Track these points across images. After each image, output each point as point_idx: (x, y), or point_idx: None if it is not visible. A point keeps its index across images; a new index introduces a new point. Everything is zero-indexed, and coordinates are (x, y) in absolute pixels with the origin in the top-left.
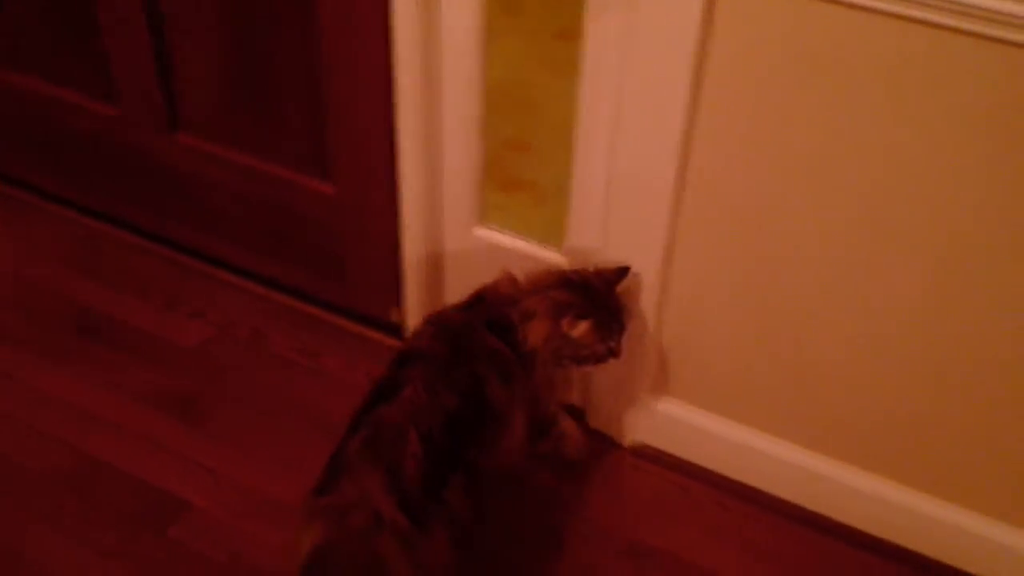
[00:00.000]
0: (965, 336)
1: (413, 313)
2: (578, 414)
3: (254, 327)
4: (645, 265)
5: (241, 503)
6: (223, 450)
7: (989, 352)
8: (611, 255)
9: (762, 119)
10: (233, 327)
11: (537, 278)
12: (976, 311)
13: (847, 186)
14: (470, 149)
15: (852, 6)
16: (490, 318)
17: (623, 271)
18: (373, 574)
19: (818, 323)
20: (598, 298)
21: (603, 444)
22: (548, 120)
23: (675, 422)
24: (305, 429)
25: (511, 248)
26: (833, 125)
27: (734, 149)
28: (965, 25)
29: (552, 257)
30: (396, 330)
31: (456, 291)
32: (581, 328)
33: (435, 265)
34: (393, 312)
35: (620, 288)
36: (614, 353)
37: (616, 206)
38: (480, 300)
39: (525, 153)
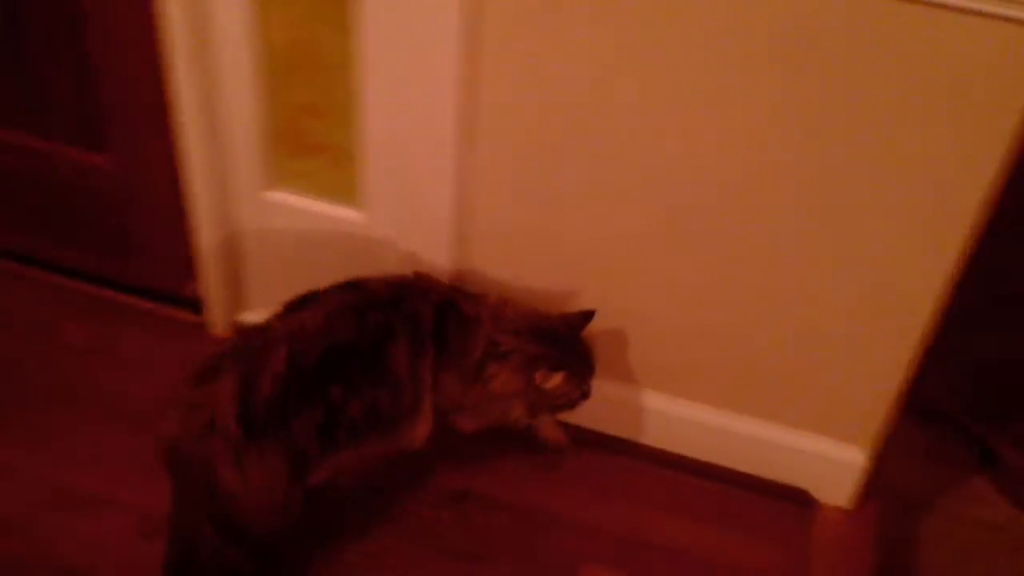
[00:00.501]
0: (769, 259)
1: (213, 285)
2: None
3: (42, 319)
4: (439, 217)
5: (45, 498)
6: (20, 449)
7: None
8: (405, 212)
9: (544, 54)
10: (17, 321)
11: (516, 315)
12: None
13: (640, 113)
14: (254, 112)
15: None
16: (447, 300)
17: (587, 315)
18: (205, 475)
19: (623, 262)
20: (567, 345)
21: None
22: (341, 81)
23: None
24: (105, 418)
25: (307, 211)
26: (612, 51)
27: (519, 87)
28: None
29: (350, 215)
30: (195, 305)
31: (255, 260)
32: (555, 380)
33: (229, 234)
34: (189, 286)
35: (584, 331)
36: (586, 396)
37: (405, 160)
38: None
39: (321, 116)
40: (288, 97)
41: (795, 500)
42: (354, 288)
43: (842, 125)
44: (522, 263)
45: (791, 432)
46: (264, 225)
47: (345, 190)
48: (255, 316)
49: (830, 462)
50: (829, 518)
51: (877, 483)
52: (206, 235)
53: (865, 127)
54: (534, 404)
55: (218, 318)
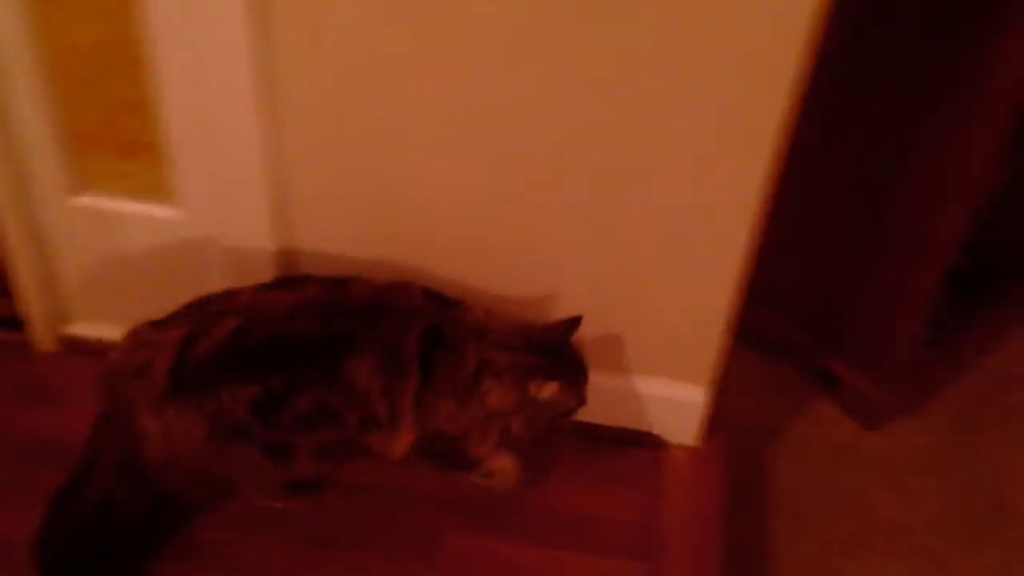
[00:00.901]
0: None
1: (32, 301)
2: None
3: None
4: (255, 203)
5: None
6: None
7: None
8: (221, 204)
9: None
10: None
11: (504, 329)
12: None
13: (445, 60)
14: (53, 116)
15: None
16: (432, 326)
17: (574, 322)
18: (127, 412)
19: (451, 218)
20: (558, 354)
21: None
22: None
23: None
24: None
25: (121, 213)
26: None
27: (317, 56)
28: None
29: (167, 215)
30: (15, 323)
31: (73, 270)
32: (550, 390)
33: (41, 244)
34: (4, 304)
35: (573, 338)
36: (583, 403)
37: (213, 150)
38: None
39: (138, 113)
40: (103, 95)
41: (649, 445)
42: (337, 287)
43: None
44: (353, 235)
45: (635, 379)
46: (77, 232)
47: (162, 189)
48: (85, 329)
49: (674, 404)
50: (679, 458)
51: (724, 418)
52: (15, 248)
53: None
54: (531, 418)
55: (44, 335)
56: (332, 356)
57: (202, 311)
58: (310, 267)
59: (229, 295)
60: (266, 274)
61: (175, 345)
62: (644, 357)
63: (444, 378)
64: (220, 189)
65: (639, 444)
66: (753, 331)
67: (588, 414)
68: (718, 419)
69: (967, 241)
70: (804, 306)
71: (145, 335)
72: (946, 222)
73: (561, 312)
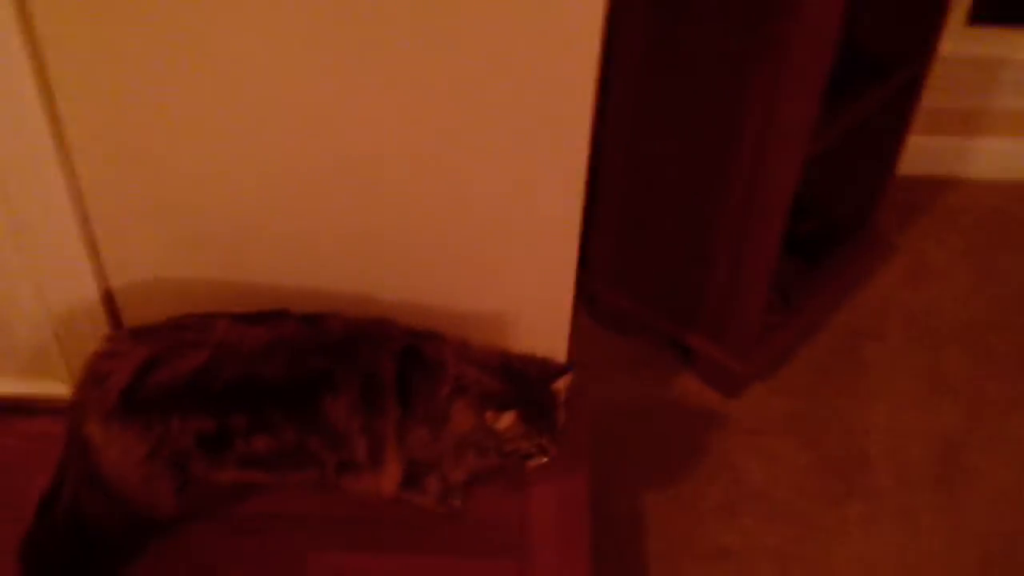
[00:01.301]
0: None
1: None
2: None
3: None
4: (65, 241)
5: None
6: None
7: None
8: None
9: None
10: None
11: (484, 349)
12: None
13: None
14: None
15: None
16: (408, 346)
17: (564, 369)
18: (79, 413)
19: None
20: (530, 391)
21: None
22: None
23: None
24: None
25: None
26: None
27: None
28: None
29: None
30: None
31: None
32: (505, 421)
33: None
34: None
35: (557, 385)
36: (545, 452)
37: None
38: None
39: None
40: None
41: None
42: (311, 324)
43: None
44: (175, 256)
45: None
46: None
47: None
48: None
49: None
50: None
51: (585, 399)
52: None
53: None
54: (484, 448)
55: None
56: (308, 396)
57: (177, 335)
58: (141, 303)
59: (207, 323)
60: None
61: (136, 365)
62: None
63: (422, 402)
64: (27, 237)
65: None
66: (610, 313)
67: None
68: (578, 400)
69: (803, 206)
70: (656, 283)
71: (119, 344)
72: (775, 188)
73: (394, 305)
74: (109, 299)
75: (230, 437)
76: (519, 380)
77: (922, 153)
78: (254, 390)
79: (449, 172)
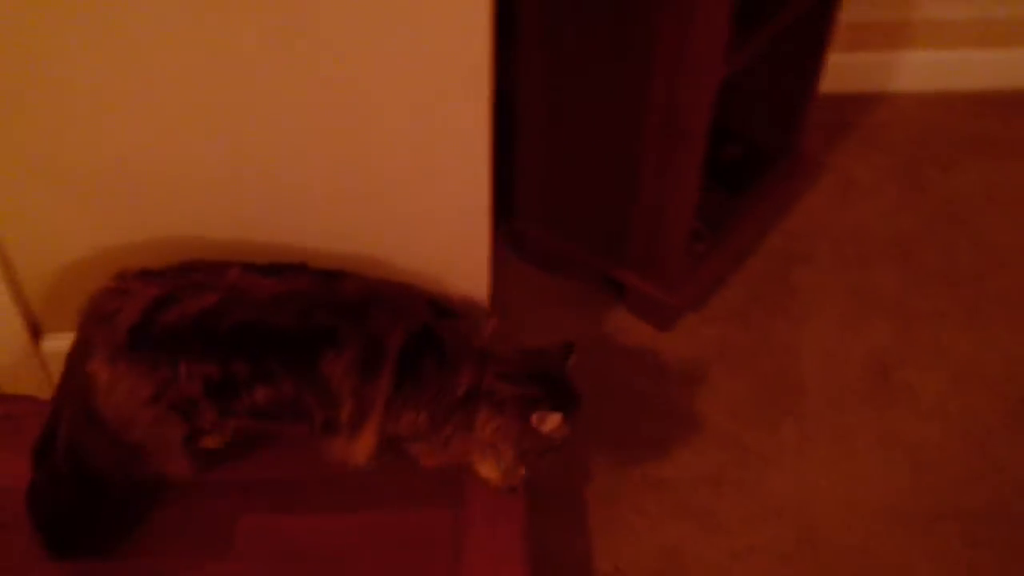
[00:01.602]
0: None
1: None
2: None
3: None
4: None
5: None
6: None
7: None
8: None
9: None
10: None
11: (506, 356)
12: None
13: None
14: None
15: None
16: (426, 329)
17: (570, 347)
18: (85, 350)
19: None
20: (558, 384)
21: None
22: None
23: None
24: None
25: None
26: None
27: None
28: None
29: None
30: None
31: None
32: (553, 423)
33: None
34: None
35: (569, 365)
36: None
37: None
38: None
39: None
40: None
41: None
42: (329, 280)
43: None
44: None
45: None
46: None
47: None
48: None
49: None
50: None
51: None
52: None
53: None
54: (526, 450)
55: None
56: (309, 351)
57: (187, 277)
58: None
59: (219, 269)
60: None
61: (146, 303)
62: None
63: (425, 388)
64: None
65: None
66: (540, 252)
67: None
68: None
69: (726, 132)
70: (582, 220)
71: (128, 283)
72: (692, 113)
73: (308, 252)
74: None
75: (235, 386)
76: (547, 379)
77: (846, 69)
78: (258, 338)
79: (354, 117)
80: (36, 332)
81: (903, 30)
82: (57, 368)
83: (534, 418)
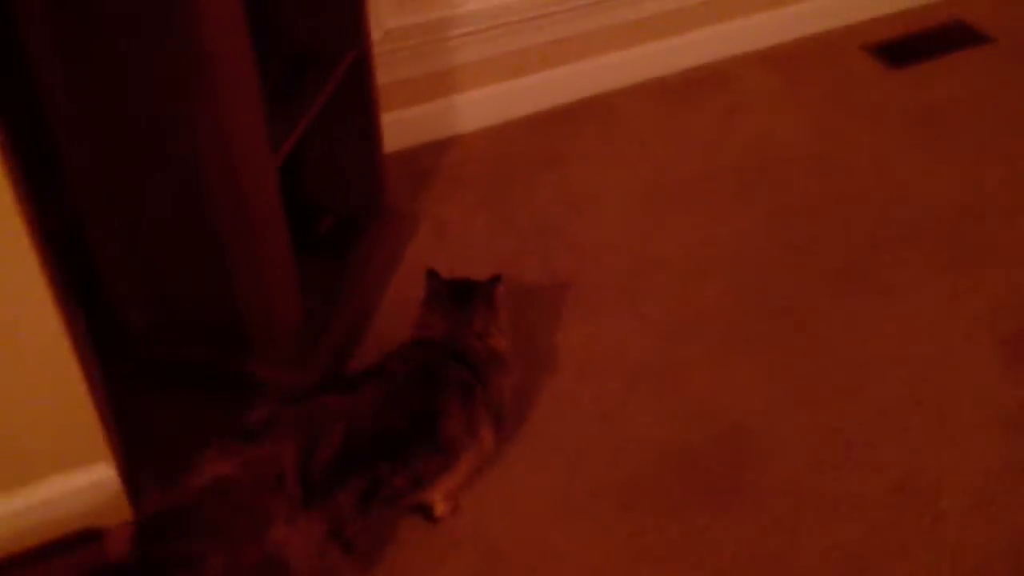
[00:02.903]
0: None
1: None
2: None
3: None
4: None
5: None
6: None
7: None
8: None
9: None
10: None
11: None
12: None
13: None
14: None
15: None
16: (456, 349)
17: (497, 278)
18: (257, 523)
19: None
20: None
21: None
22: None
23: None
24: None
25: None
26: None
27: None
28: None
29: None
30: None
31: None
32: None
33: None
34: None
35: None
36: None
37: None
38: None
39: None
40: None
41: (88, 541)
42: (382, 376)
43: None
44: None
45: (33, 488)
46: None
47: None
48: None
49: (90, 489)
50: (119, 535)
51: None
52: None
53: None
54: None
55: None
56: (428, 425)
57: (296, 424)
58: None
59: (316, 404)
60: None
61: (295, 458)
62: (25, 464)
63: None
64: None
65: (80, 546)
66: (159, 371)
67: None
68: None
69: (316, 206)
70: (196, 326)
71: (244, 451)
72: (260, 205)
73: None
74: None
75: (378, 485)
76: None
77: (410, 123)
78: (389, 439)
79: None
80: None
81: (450, 77)
82: None
83: (500, 288)
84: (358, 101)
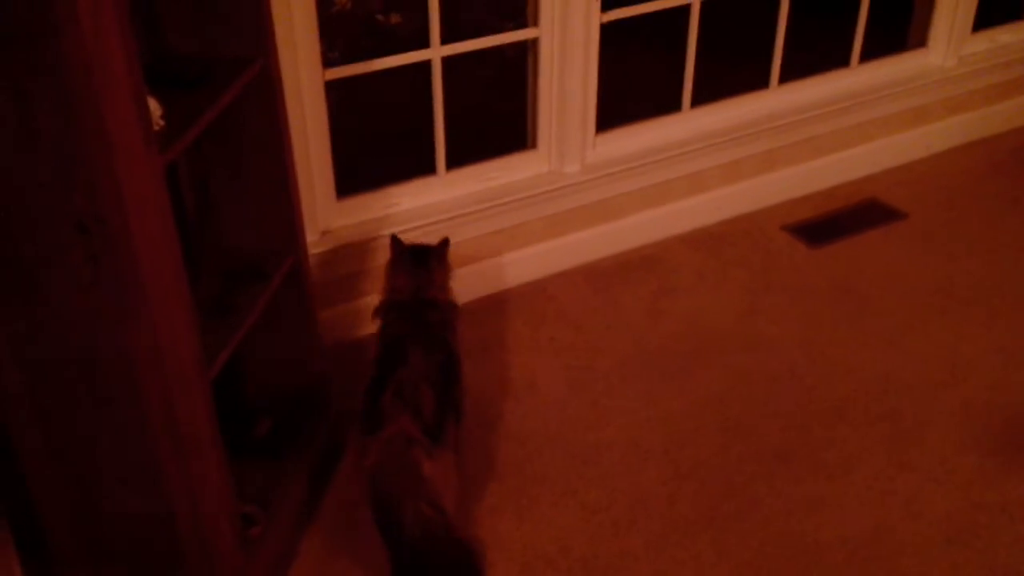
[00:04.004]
0: None
1: None
2: None
3: None
4: None
5: None
6: None
7: None
8: None
9: None
10: None
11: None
12: None
13: None
14: None
15: None
16: (425, 300)
17: (446, 241)
18: (411, 474)
19: None
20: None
21: None
22: None
23: None
24: None
25: None
26: None
27: None
28: None
29: None
30: None
31: None
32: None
33: None
34: None
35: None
36: None
37: None
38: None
39: None
40: None
41: None
42: (403, 340)
43: None
44: None
45: None
46: None
47: None
48: None
49: None
50: None
51: None
52: None
53: None
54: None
55: None
56: (448, 353)
57: (399, 400)
58: None
59: (394, 380)
60: None
61: (410, 422)
62: None
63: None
64: None
65: None
66: None
67: None
68: None
69: (252, 410)
70: (127, 550)
71: (379, 437)
72: (194, 421)
73: None
74: None
75: (456, 405)
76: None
77: (354, 317)
78: (443, 374)
79: None
80: None
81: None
82: None
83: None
84: (295, 303)
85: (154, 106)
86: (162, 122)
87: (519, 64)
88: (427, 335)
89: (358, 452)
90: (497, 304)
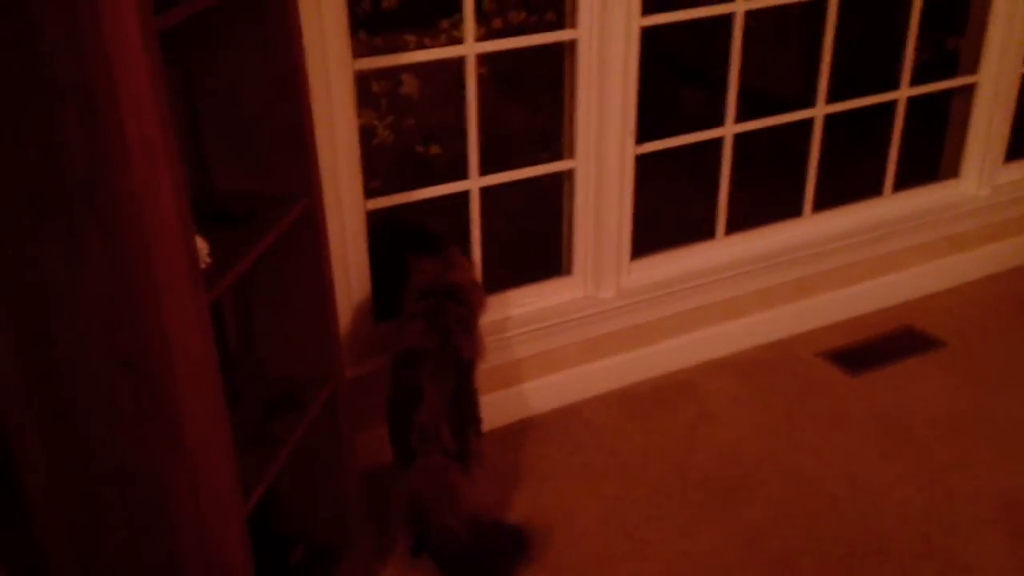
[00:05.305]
0: None
1: None
2: None
3: None
4: None
5: None
6: None
7: None
8: None
9: None
10: None
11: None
12: None
13: None
14: None
15: None
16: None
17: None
18: (450, 494)
19: None
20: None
21: None
22: None
23: None
24: None
25: None
26: None
27: None
28: None
29: None
30: None
31: None
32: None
33: None
34: None
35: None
36: None
37: None
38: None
39: None
40: None
41: None
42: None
43: None
44: None
45: None
46: None
47: None
48: None
49: None
50: None
51: None
52: None
53: None
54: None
55: None
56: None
57: (426, 443)
58: None
59: (414, 425)
60: None
61: (440, 454)
62: None
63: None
64: None
65: None
66: None
67: None
68: None
69: (285, 537)
70: None
71: (415, 470)
72: (229, 551)
73: None
74: None
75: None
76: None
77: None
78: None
79: None
80: None
81: None
82: None
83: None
84: (331, 429)
85: (201, 244)
86: (208, 259)
87: (553, 190)
88: (445, 346)
89: (395, 482)
90: (531, 428)
